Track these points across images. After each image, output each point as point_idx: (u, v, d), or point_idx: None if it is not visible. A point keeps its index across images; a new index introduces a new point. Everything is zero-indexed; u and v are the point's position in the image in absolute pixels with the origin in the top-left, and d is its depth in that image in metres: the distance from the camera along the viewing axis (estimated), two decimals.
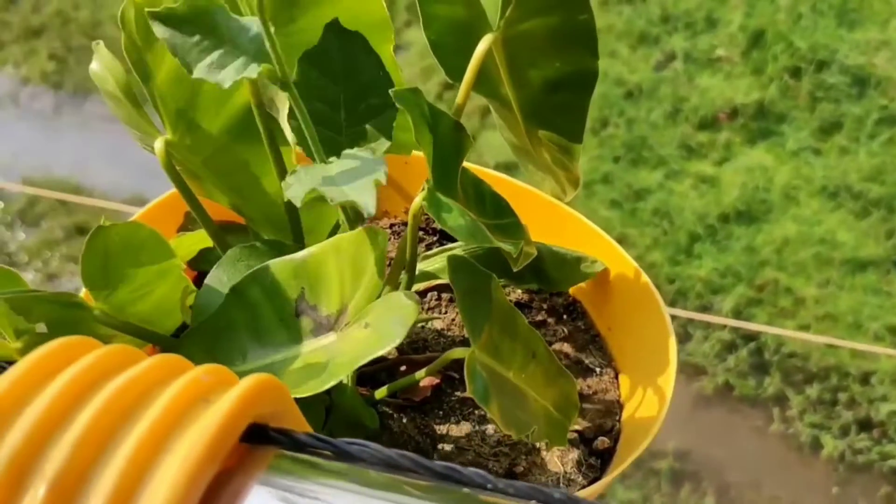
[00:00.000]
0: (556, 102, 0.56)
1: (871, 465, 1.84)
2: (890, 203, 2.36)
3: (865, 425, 1.91)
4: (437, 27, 0.56)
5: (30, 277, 2.14)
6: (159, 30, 0.43)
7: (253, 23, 0.44)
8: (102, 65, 0.51)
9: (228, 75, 0.43)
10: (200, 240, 0.58)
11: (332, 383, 0.42)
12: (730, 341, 1.97)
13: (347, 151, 0.45)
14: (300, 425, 0.35)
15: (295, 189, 0.41)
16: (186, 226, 0.65)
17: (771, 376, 1.91)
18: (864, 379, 2.03)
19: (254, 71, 0.43)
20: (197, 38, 0.43)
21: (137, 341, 0.49)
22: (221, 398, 0.30)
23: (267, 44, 0.44)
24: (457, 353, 0.49)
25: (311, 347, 0.46)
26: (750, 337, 2.01)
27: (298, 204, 0.40)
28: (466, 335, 0.62)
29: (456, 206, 0.47)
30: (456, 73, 0.58)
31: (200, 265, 0.62)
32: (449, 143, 0.52)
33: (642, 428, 0.54)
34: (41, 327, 0.49)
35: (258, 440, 0.32)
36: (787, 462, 1.84)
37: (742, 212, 2.25)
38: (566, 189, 0.62)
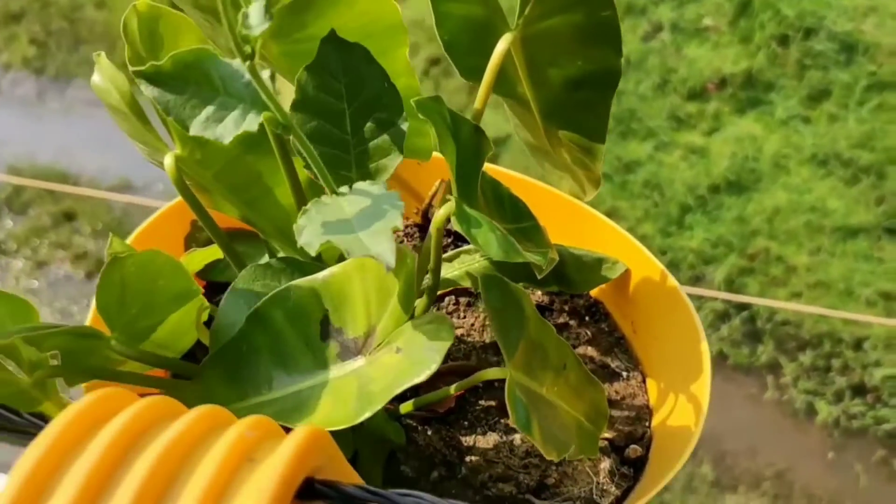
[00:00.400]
0: (578, 101, 0.54)
1: (866, 429, 1.85)
2: (880, 169, 2.35)
3: (859, 390, 1.92)
4: (450, 26, 0.54)
5: (19, 265, 2.12)
6: (147, 90, 0.40)
7: (245, 67, 0.41)
8: (105, 77, 0.48)
9: (227, 130, 0.40)
10: (211, 254, 0.56)
11: (368, 415, 0.40)
12: (723, 311, 1.97)
13: (359, 185, 0.43)
14: (346, 474, 0.33)
15: (308, 235, 0.39)
16: (193, 234, 0.63)
17: (764, 344, 1.91)
18: (857, 345, 2.03)
19: (254, 122, 0.41)
20: (188, 93, 0.41)
21: (152, 369, 0.48)
22: (272, 456, 0.28)
23: (261, 93, 0.41)
24: (490, 373, 0.47)
25: (340, 373, 0.44)
26: (743, 306, 2.01)
27: (313, 253, 0.38)
28: (487, 340, 0.60)
29: (485, 220, 0.45)
30: (471, 73, 0.56)
31: (209, 275, 0.60)
32: (470, 149, 0.50)
33: (676, 437, 0.52)
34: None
35: (306, 496, 0.30)
36: (782, 429, 1.84)
37: (732, 182, 2.24)
38: (586, 188, 0.60)
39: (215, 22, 0.49)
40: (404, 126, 0.48)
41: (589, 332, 0.61)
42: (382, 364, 0.42)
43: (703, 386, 0.52)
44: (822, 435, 1.82)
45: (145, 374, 0.50)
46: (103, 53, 0.48)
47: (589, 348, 0.60)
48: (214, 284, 0.61)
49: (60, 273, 2.18)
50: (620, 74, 0.52)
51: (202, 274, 0.60)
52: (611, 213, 2.05)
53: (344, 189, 0.43)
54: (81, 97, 2.30)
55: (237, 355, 0.45)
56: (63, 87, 2.29)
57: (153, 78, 0.40)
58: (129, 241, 0.59)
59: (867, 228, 2.25)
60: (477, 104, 0.52)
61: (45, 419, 0.34)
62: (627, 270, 0.60)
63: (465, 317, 0.62)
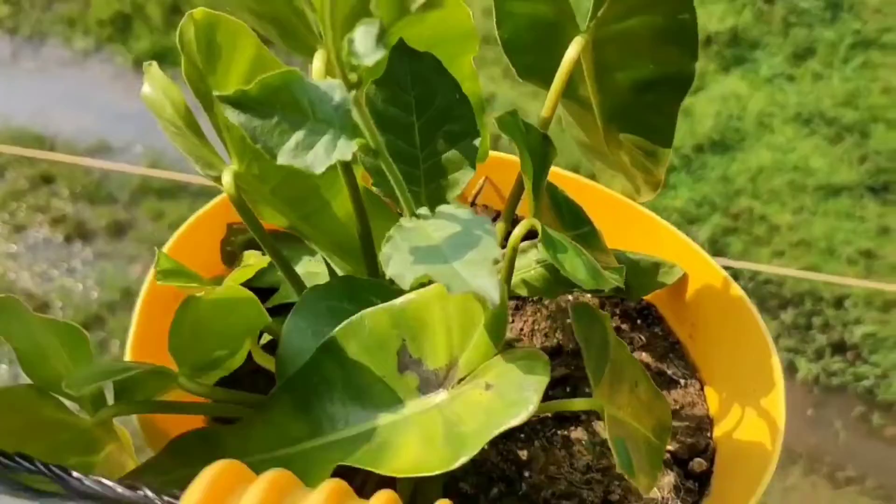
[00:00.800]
0: (646, 104, 0.51)
1: (845, 386, 1.87)
2: (863, 128, 2.35)
3: (839, 348, 1.94)
4: (512, 25, 0.51)
5: None
6: (232, 115, 0.37)
7: (335, 87, 0.38)
8: (157, 88, 0.45)
9: (319, 158, 0.37)
10: (257, 267, 0.54)
11: (464, 460, 0.38)
12: None
13: (444, 208, 0.40)
14: None
15: (397, 265, 0.36)
16: (229, 237, 0.60)
17: None
18: (838, 303, 2.05)
19: (346, 150, 0.37)
20: (275, 118, 0.37)
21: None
22: None
23: (360, 121, 0.38)
24: (578, 404, 0.45)
25: (421, 408, 0.41)
26: (725, 266, 2.01)
27: (406, 287, 0.35)
28: (538, 345, 0.58)
29: (570, 244, 0.43)
30: (529, 72, 0.53)
31: (251, 281, 0.58)
32: (538, 158, 0.47)
33: (748, 455, 0.51)
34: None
35: None
36: None
37: (716, 141, 2.23)
38: (641, 190, 0.58)
39: (272, 30, 0.46)
40: (476, 140, 0.46)
41: (643, 337, 0.60)
42: (470, 401, 0.40)
43: (777, 402, 0.50)
44: (803, 392, 1.83)
45: (193, 402, 0.48)
46: (155, 63, 0.45)
47: (644, 354, 0.59)
48: (255, 290, 0.58)
49: (39, 236, 2.14)
50: (694, 78, 0.50)
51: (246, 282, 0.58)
52: (593, 177, 2.04)
53: (423, 210, 0.41)
54: (56, 56, 2.23)
55: (307, 388, 0.42)
56: (37, 46, 2.22)
57: (239, 103, 0.36)
58: (167, 248, 0.56)
59: (850, 187, 2.25)
60: (545, 112, 0.49)
61: (138, 489, 0.32)
62: (685, 275, 0.58)
63: (513, 321, 0.60)
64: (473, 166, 0.46)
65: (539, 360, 0.40)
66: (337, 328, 0.43)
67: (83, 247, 2.12)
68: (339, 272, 0.53)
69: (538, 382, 0.38)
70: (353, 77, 0.36)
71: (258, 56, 0.45)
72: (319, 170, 0.36)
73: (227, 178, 0.45)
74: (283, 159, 0.36)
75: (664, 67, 0.50)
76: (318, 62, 0.44)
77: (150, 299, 0.54)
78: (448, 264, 0.36)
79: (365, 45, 0.34)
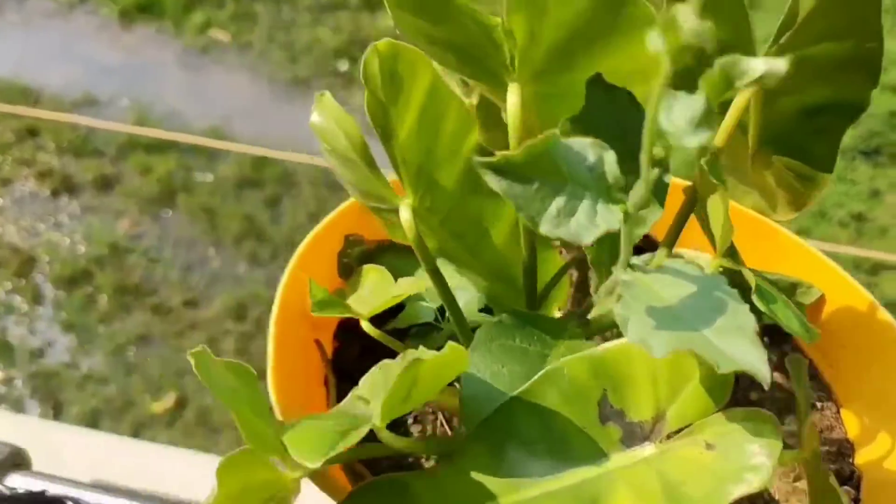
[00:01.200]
0: (811, 129, 0.50)
1: None
2: None
3: None
4: (677, 44, 0.49)
5: None
6: (493, 181, 0.34)
7: (586, 146, 0.35)
8: (330, 118, 0.42)
9: (582, 226, 0.34)
10: (404, 296, 0.52)
11: None
12: None
13: (669, 263, 0.38)
14: None
15: (639, 330, 0.33)
16: (346, 249, 0.58)
17: None
18: None
19: (609, 217, 0.34)
20: (535, 184, 0.35)
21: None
22: None
23: (639, 192, 0.35)
24: (786, 457, 0.43)
25: (627, 462, 0.40)
26: None
27: (659, 356, 0.33)
28: None
29: (778, 294, 0.41)
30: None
31: None
32: None
33: None
34: None
35: None
36: None
37: None
38: (780, 208, 0.56)
39: (450, 57, 0.43)
40: (667, 178, 0.44)
41: (773, 357, 0.58)
42: (688, 459, 0.39)
43: None
44: None
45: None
46: (328, 93, 0.42)
47: (776, 374, 0.58)
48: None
49: (26, 190, 2.09)
50: (868, 105, 0.48)
51: None
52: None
53: (638, 261, 0.39)
54: (41, 8, 2.16)
55: (502, 437, 0.41)
56: None
57: (502, 169, 0.34)
58: (293, 263, 0.54)
59: (842, 150, 2.25)
60: (718, 142, 0.47)
61: None
62: (822, 296, 0.57)
63: None
64: (662, 205, 0.44)
65: (768, 422, 0.38)
66: (534, 377, 0.41)
67: (70, 201, 2.07)
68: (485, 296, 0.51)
69: (769, 447, 0.37)
70: (658, 153, 0.33)
71: (433, 85, 0.43)
72: (587, 240, 0.34)
73: (406, 215, 0.43)
74: (544, 228, 0.34)
75: (839, 94, 0.48)
76: (513, 97, 0.42)
77: (282, 325, 0.51)
78: (698, 332, 0.34)
79: (676, 124, 0.31)
